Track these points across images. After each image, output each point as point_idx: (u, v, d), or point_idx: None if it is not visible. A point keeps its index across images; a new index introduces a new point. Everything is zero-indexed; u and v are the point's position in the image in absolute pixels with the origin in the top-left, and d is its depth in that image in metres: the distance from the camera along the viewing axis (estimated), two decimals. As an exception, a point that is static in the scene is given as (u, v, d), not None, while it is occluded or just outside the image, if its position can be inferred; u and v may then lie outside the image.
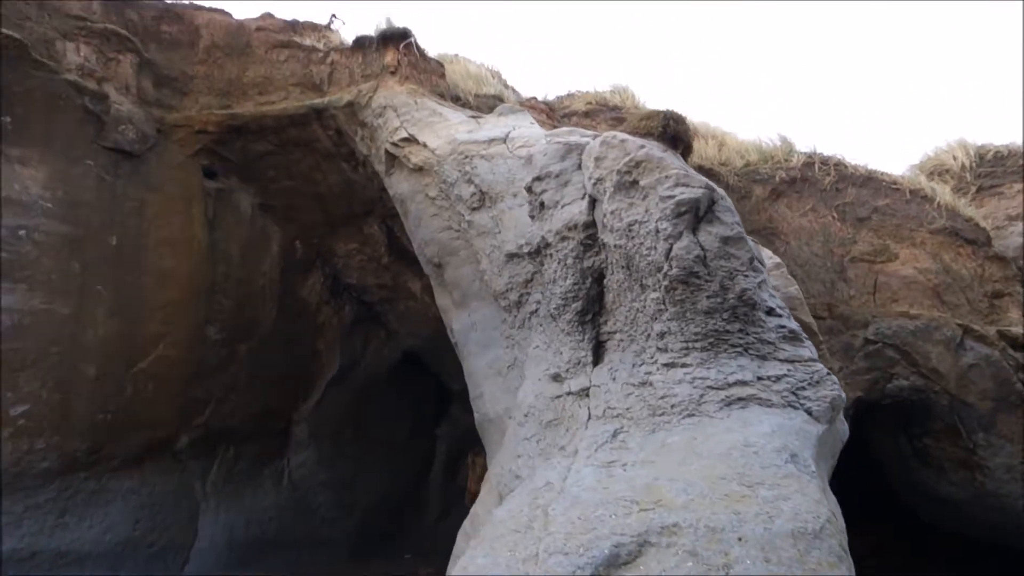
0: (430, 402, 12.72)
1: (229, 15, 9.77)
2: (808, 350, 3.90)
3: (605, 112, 10.70)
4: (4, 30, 7.57)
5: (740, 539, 2.51)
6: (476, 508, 5.04)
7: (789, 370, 3.73)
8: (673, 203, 3.86)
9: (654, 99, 25.62)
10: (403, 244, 10.07)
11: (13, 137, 7.67)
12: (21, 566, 7.71)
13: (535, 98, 10.61)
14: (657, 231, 4.03)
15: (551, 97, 11.51)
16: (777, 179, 9.49)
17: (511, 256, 6.38)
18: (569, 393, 4.69)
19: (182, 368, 9.00)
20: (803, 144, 10.02)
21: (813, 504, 2.68)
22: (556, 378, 4.89)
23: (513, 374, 6.51)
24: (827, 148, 10.07)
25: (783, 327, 4.13)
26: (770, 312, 3.99)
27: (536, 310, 6.19)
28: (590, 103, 10.97)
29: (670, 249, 3.95)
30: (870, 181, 9.17)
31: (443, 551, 12.28)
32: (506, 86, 10.45)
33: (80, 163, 8.14)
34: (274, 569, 10.04)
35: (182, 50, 9.35)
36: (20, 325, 7.77)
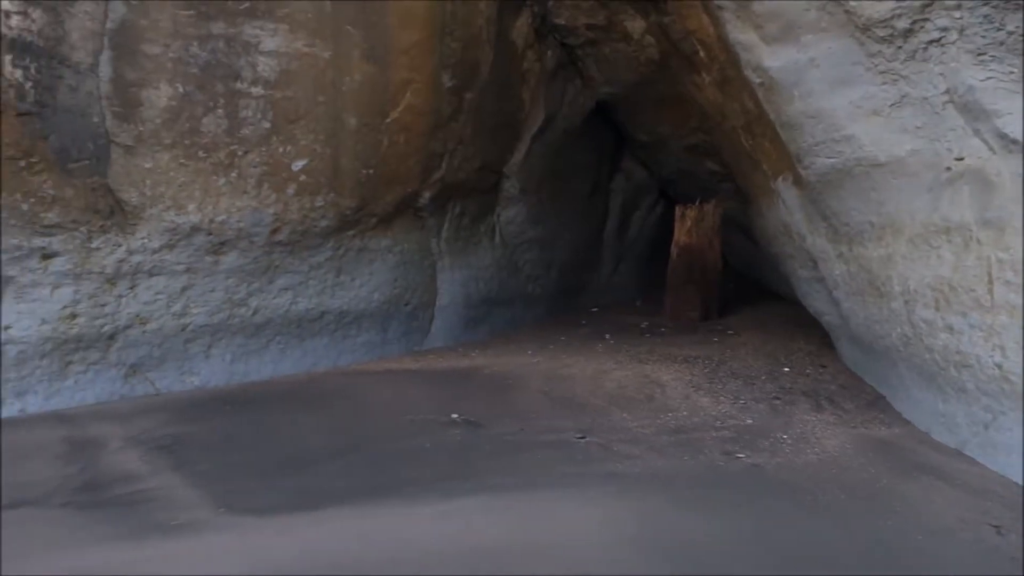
0: (608, 156, 12.16)
1: None
2: None
3: None
4: None
5: None
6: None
7: None
8: None
9: None
10: (635, -24, 9.08)
11: None
12: (314, 326, 7.49)
13: None
14: None
15: None
16: None
17: (901, -25, 5.58)
18: None
19: (425, 118, 8.32)
20: None
21: None
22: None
23: (905, 113, 5.94)
24: None
25: None
26: None
27: (940, 38, 5.53)
28: None
29: None
30: None
31: (619, 304, 12.35)
32: None
33: None
34: (497, 326, 9.97)
35: None
36: (288, 71, 7.01)
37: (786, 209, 7.94)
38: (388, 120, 7.88)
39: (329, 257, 7.60)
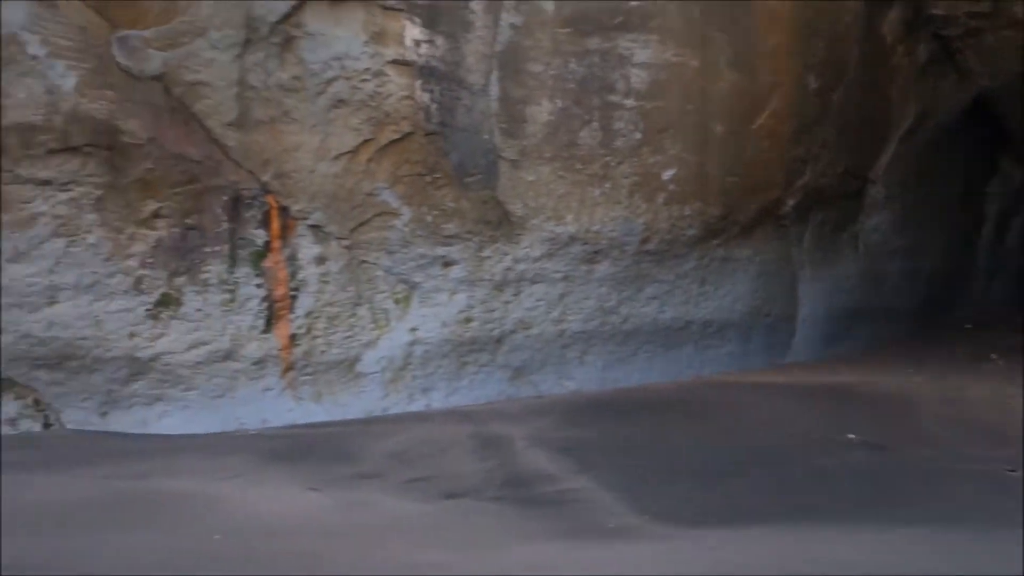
0: (981, 156, 10.95)
1: None
2: None
3: None
4: None
5: None
6: None
7: None
8: None
9: None
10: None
11: None
12: (679, 335, 7.48)
13: None
14: None
15: None
16: None
17: None
18: None
19: (789, 123, 7.99)
20: None
21: None
22: None
23: None
24: None
25: None
26: None
27: None
28: None
29: None
30: None
31: (997, 320, 11.03)
32: None
33: None
34: (859, 341, 9.33)
35: None
36: (657, 81, 7.04)
37: None
38: (754, 126, 7.67)
39: (694, 267, 7.54)
